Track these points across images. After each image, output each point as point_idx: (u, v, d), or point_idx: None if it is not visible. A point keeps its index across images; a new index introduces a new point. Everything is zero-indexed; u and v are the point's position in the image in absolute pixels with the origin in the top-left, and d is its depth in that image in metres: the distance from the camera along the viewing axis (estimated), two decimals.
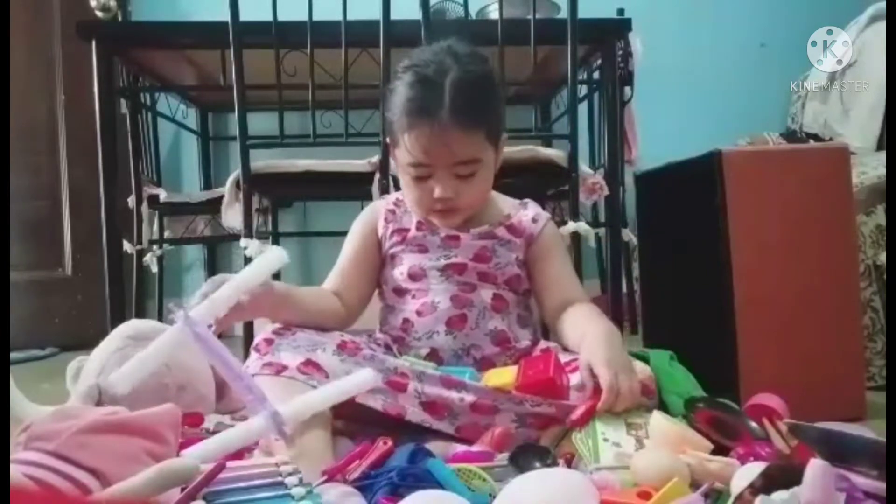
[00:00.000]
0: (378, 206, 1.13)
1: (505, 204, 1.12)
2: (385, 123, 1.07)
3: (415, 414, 0.84)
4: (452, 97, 0.94)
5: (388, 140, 1.07)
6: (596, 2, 1.71)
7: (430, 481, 0.68)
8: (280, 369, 0.85)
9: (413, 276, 1.04)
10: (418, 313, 1.02)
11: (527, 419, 0.83)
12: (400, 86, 0.99)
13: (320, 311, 0.99)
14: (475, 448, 0.80)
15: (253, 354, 0.89)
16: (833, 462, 0.62)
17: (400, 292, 1.05)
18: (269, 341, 0.89)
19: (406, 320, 1.02)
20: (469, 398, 0.85)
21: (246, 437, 0.76)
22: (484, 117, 0.98)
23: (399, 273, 1.05)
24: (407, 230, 1.07)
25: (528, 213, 1.10)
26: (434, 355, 0.99)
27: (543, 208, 1.14)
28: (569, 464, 0.76)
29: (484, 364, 0.99)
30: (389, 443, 0.76)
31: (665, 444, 0.75)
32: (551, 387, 0.84)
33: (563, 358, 0.94)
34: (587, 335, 0.90)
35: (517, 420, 0.83)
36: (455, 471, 0.70)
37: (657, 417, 0.79)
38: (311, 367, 0.85)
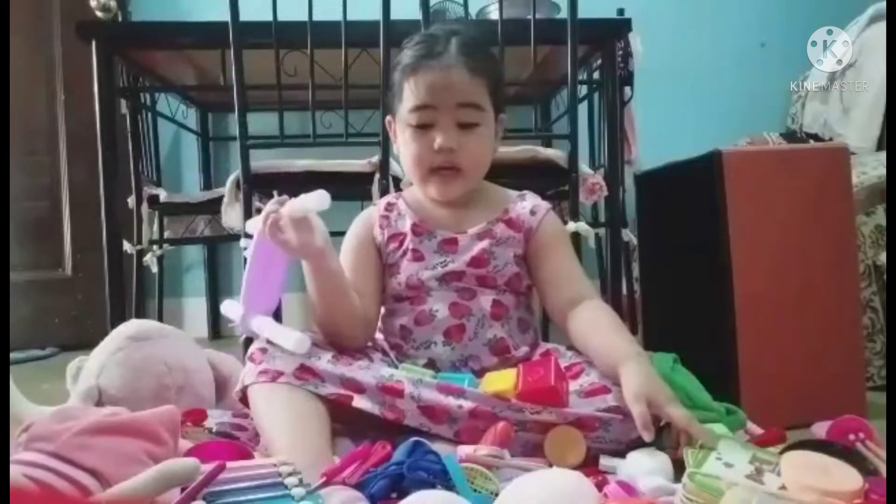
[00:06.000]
0: (371, 214, 1.10)
1: (502, 196, 1.09)
2: (389, 92, 1.07)
3: (413, 418, 0.83)
4: (458, 45, 0.99)
5: (392, 101, 1.06)
6: (596, 2, 1.71)
7: (438, 477, 0.68)
8: (276, 375, 0.84)
9: (411, 287, 1.02)
10: (416, 322, 1.00)
11: (527, 424, 0.82)
12: (404, 51, 1.02)
13: (355, 299, 0.96)
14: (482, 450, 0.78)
15: (248, 364, 0.89)
16: None
17: (398, 298, 1.04)
18: (263, 350, 0.88)
19: (404, 327, 1.01)
20: (468, 405, 0.83)
21: None
22: (486, 68, 1.00)
23: (397, 283, 1.03)
24: (402, 235, 1.05)
25: (526, 204, 1.07)
26: (431, 366, 0.97)
27: None
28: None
29: (482, 375, 0.95)
30: (388, 447, 0.76)
31: (800, 479, 0.65)
32: (552, 394, 0.82)
33: (564, 362, 0.94)
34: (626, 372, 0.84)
35: (517, 425, 0.82)
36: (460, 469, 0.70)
37: (793, 453, 0.71)
38: (306, 372, 0.85)
